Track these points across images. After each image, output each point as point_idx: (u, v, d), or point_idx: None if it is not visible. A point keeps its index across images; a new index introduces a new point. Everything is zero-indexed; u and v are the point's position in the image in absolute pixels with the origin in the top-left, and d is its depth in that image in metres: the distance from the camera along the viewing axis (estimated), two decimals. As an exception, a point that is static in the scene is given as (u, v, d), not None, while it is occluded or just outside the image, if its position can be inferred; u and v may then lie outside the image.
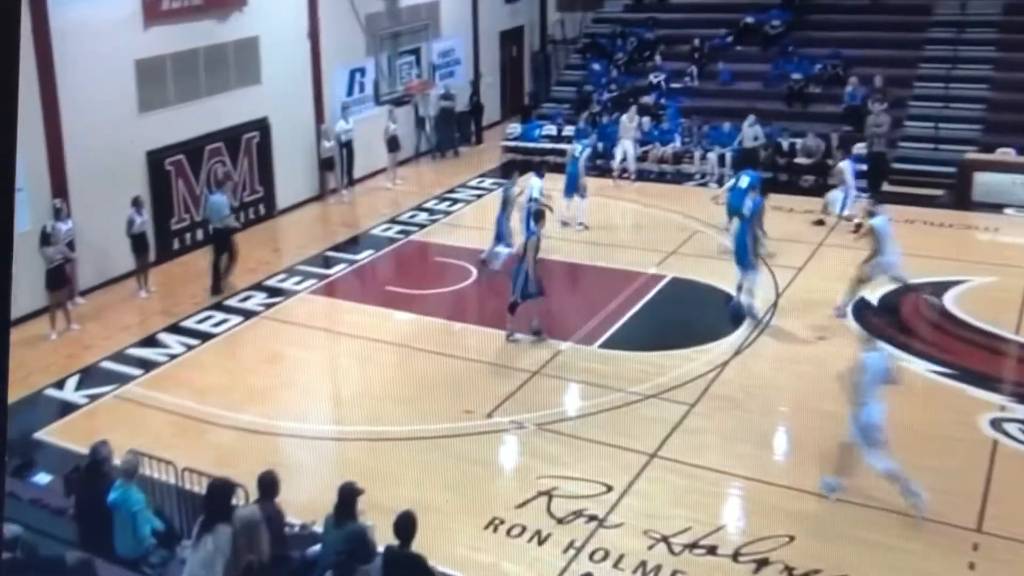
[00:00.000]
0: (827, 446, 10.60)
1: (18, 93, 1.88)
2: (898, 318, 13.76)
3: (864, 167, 18.58)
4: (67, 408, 11.74)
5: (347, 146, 19.74)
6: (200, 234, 16.76)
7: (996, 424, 10.88)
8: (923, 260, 15.51)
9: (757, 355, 12.81)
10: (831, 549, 8.77)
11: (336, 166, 19.81)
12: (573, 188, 17.47)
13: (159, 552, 8.05)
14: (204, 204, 16.16)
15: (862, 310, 13.88)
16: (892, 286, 14.02)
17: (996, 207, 18.13)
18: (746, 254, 13.55)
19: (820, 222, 17.39)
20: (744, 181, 16.03)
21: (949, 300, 14.12)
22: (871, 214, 13.82)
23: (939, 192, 19.03)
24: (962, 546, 8.83)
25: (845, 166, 17.56)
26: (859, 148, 18.85)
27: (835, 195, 17.36)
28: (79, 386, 12.35)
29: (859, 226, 16.37)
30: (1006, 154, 19.08)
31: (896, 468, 9.16)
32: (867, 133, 19.48)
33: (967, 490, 9.63)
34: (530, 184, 16.19)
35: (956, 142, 19.89)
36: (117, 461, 8.24)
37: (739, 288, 13.77)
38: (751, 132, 19.76)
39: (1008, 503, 9.46)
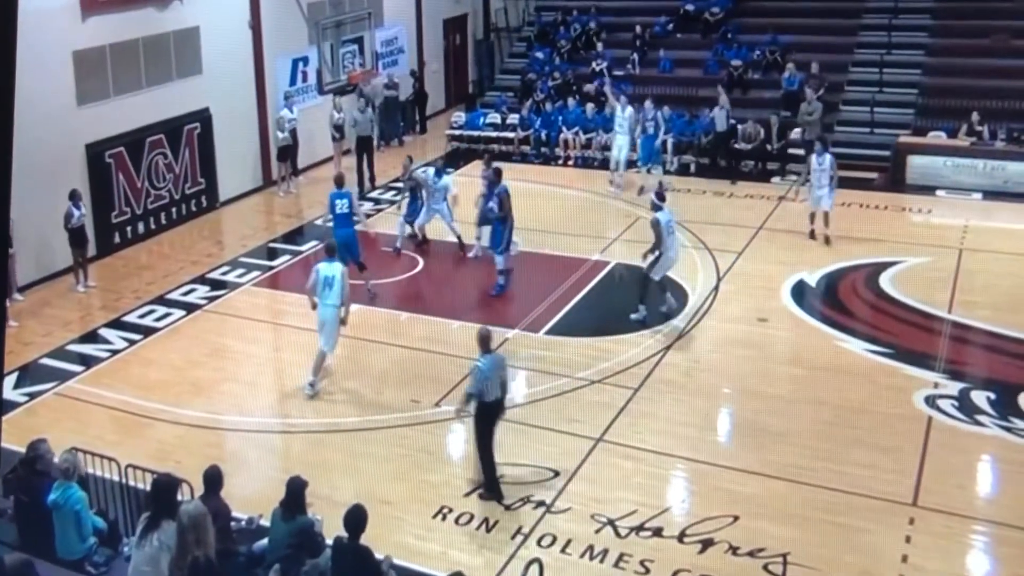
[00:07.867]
0: (770, 426, 10.85)
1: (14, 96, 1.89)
2: (837, 299, 14.06)
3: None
4: (6, 407, 11.49)
5: (292, 135, 19.55)
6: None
7: (930, 401, 11.18)
8: (859, 242, 15.87)
9: (699, 339, 13.01)
10: (774, 528, 8.96)
11: (289, 156, 19.65)
12: None
13: (102, 551, 7.97)
14: (354, 120, 19.72)
15: (803, 291, 14.18)
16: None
17: (929, 189, 18.61)
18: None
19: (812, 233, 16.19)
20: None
21: (885, 281, 14.46)
22: (656, 207, 13.08)
23: (874, 175, 19.43)
24: (899, 520, 9.08)
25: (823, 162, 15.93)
26: (795, 133, 18.95)
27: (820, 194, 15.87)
28: (18, 384, 12.14)
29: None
30: (938, 137, 19.55)
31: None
32: (800, 120, 19.58)
33: (904, 466, 9.91)
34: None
35: (890, 126, 20.30)
36: (57, 460, 8.13)
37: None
38: (722, 115, 19.78)
39: (942, 477, 9.75)
